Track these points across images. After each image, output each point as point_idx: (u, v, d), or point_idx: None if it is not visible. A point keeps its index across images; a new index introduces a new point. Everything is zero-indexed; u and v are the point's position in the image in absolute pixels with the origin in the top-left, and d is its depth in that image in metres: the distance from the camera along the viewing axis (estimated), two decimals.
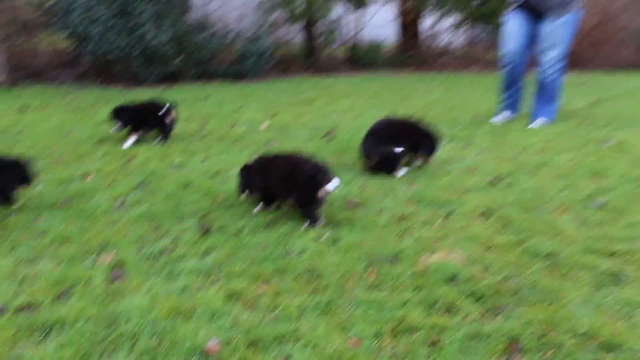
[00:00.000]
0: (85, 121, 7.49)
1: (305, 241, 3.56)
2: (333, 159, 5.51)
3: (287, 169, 3.94)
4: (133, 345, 2.46)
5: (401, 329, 2.58)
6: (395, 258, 3.33)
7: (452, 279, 3.06)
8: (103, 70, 12.45)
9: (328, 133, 6.77)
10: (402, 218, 3.99)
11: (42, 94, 10.11)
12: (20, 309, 2.73)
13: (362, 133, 5.20)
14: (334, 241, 3.58)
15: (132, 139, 6.16)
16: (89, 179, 4.87)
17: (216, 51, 12.54)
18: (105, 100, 9.29)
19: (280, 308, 2.77)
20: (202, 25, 12.43)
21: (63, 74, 12.68)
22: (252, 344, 2.47)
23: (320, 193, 3.75)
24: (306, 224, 3.80)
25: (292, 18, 14.11)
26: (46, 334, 2.55)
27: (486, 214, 4.07)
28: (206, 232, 3.71)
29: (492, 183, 4.77)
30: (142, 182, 4.76)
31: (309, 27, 15.36)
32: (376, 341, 2.50)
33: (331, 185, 3.75)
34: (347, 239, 3.60)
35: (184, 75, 12.35)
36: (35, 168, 4.23)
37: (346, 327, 2.60)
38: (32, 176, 4.22)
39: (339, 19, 15.10)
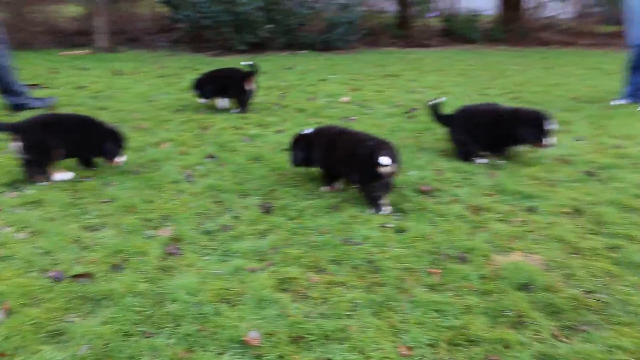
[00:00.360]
0: (171, 87, 7.63)
1: (368, 229, 3.34)
2: (411, 139, 5.20)
3: (347, 145, 3.72)
4: (175, 327, 2.39)
5: (460, 341, 2.32)
6: (464, 256, 3.03)
7: (525, 286, 2.73)
8: (195, 37, 12.69)
9: (411, 110, 6.42)
10: (477, 210, 3.65)
11: (136, 59, 10.46)
12: (76, 278, 2.75)
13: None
14: (399, 231, 3.34)
15: (221, 102, 6.28)
16: (163, 147, 4.90)
17: (305, 20, 12.36)
18: (193, 67, 9.44)
19: (331, 302, 2.60)
20: None
21: (158, 40, 13.08)
22: (295, 340, 2.32)
23: (382, 170, 3.46)
24: (371, 210, 3.58)
25: None
26: (95, 306, 2.55)
27: (576, 212, 3.63)
28: (267, 211, 3.59)
29: (587, 176, 4.27)
30: (213, 153, 4.72)
31: None
32: (430, 351, 2.26)
33: (384, 160, 3.46)
34: (414, 229, 3.33)
35: (272, 43, 12.30)
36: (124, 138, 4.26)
37: (399, 331, 2.38)
38: (123, 146, 4.25)
39: None
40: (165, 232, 3.29)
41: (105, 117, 5.80)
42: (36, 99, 6.30)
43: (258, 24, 11.67)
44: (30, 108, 5.99)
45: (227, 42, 12.01)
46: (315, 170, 4.11)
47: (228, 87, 6.20)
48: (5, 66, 6.08)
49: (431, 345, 2.29)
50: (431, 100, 4.89)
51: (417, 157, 4.65)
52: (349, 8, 12.42)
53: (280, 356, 2.21)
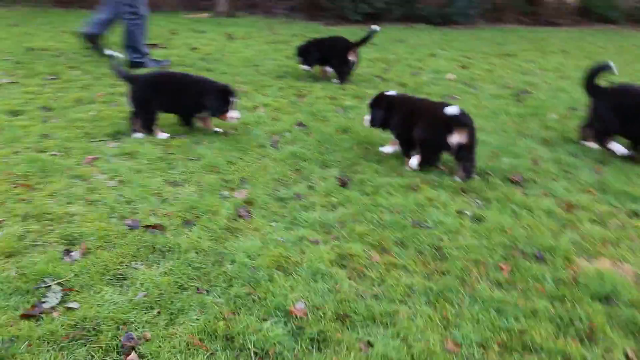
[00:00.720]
0: (278, 54, 7.73)
1: (443, 213, 3.18)
2: (513, 124, 4.84)
3: (428, 113, 3.68)
4: (227, 287, 2.45)
5: (515, 345, 2.14)
6: (543, 255, 2.78)
7: (607, 297, 2.45)
8: (312, 5, 12.74)
9: (521, 92, 5.98)
10: (571, 207, 3.33)
11: (251, 25, 10.72)
12: (149, 228, 2.90)
13: (562, 98, 4.44)
14: (477, 220, 3.14)
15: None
16: (258, 111, 5.00)
17: None
18: (304, 34, 9.49)
19: (386, 284, 2.51)
20: None
21: (276, 7, 13.30)
22: (340, 317, 2.27)
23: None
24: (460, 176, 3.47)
25: None
26: (160, 257, 2.67)
27: None
28: (344, 184, 3.54)
29: None
30: (303, 121, 4.73)
31: None
32: (479, 352, 2.11)
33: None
34: (492, 220, 3.12)
35: (388, 15, 12.03)
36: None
37: (450, 325, 2.25)
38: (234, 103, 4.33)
39: None
40: (241, 194, 3.36)
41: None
42: (153, 59, 6.70)
43: None
44: (145, 67, 6.40)
45: (343, 11, 11.92)
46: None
47: (331, 56, 6.15)
48: (140, 24, 6.55)
49: (482, 346, 2.13)
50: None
51: (515, 144, 4.32)
52: None
53: (322, 331, 2.18)
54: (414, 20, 12.06)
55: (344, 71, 6.08)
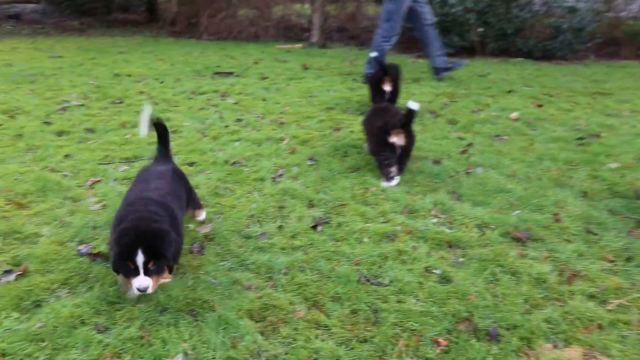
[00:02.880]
0: (342, 85, 7.61)
1: (407, 269, 2.80)
2: (556, 172, 4.23)
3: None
4: (125, 328, 2.33)
5: None
6: (497, 333, 2.32)
7: None
8: (411, 37, 12.50)
9: (588, 136, 5.27)
10: (573, 277, 2.78)
11: (335, 56, 10.70)
12: (95, 256, 2.88)
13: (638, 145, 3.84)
14: (443, 280, 2.72)
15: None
16: (282, 143, 4.89)
17: (523, 24, 11.14)
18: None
19: (293, 345, 2.23)
20: None
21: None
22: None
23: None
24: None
25: None
26: (86, 287, 2.63)
27: None
28: (315, 227, 3.29)
29: None
30: (320, 155, 4.53)
31: None
32: None
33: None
34: (459, 283, 2.69)
35: (483, 48, 11.43)
36: None
37: None
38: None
39: None
40: (206, 228, 3.25)
41: (260, 107, 6.11)
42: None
43: (468, 27, 10.94)
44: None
45: None
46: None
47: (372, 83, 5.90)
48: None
49: None
50: None
51: (543, 195, 3.76)
52: (579, 12, 10.80)
53: None
54: (512, 54, 11.33)
55: (375, 101, 5.76)
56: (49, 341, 2.23)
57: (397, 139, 3.87)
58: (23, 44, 11.38)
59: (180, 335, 2.27)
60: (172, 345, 2.20)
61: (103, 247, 2.98)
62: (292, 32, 13.72)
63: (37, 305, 2.49)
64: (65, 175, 4.04)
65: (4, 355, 2.15)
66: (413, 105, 3.74)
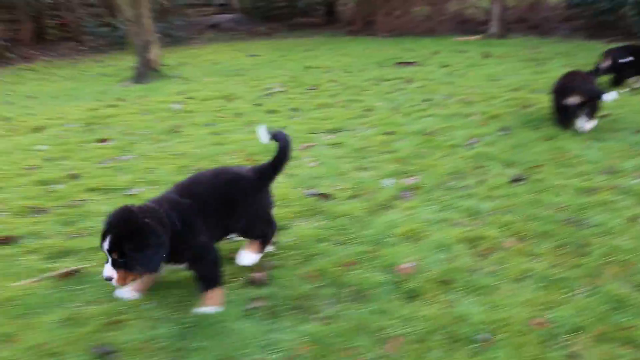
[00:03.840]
0: (525, 70, 7.55)
1: (612, 217, 2.92)
2: None
3: None
4: (353, 245, 2.81)
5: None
6: None
7: None
8: (599, 23, 11.79)
9: None
10: None
11: (516, 44, 10.49)
12: (321, 196, 3.45)
13: None
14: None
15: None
16: (472, 117, 5.13)
17: None
18: (568, 52, 8.96)
19: (504, 266, 2.54)
20: None
21: (559, 28, 12.69)
22: (442, 282, 2.44)
23: None
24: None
25: None
26: (318, 217, 3.19)
27: None
28: (515, 181, 3.52)
29: None
30: (512, 127, 4.68)
31: None
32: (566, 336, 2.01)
33: None
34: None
35: None
36: None
37: (549, 308, 2.17)
38: None
39: None
40: (410, 180, 3.66)
41: (444, 89, 6.41)
42: None
43: None
44: None
45: (629, 28, 10.74)
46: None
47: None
48: None
49: (578, 329, 2.03)
50: None
51: None
52: None
53: (418, 287, 2.40)
54: None
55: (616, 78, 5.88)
56: (300, 249, 2.80)
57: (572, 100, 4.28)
58: (224, 47, 13.01)
59: (400, 251, 2.69)
60: (399, 257, 2.63)
61: (326, 190, 3.54)
62: (467, 26, 13.69)
63: (284, 228, 3.08)
64: None
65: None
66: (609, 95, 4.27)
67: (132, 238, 2.19)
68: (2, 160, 4.76)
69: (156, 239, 2.21)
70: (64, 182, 4.10)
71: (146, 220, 2.22)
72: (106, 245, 2.20)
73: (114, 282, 2.22)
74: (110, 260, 2.21)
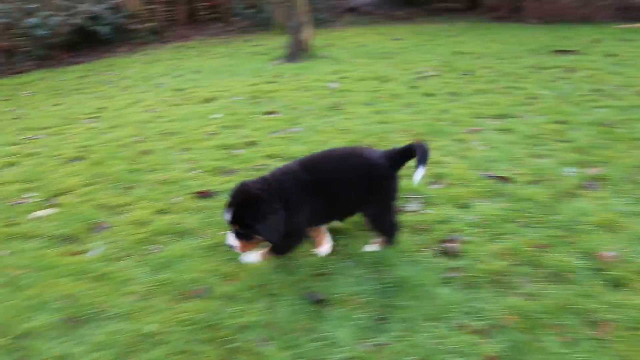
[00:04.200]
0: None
1: None
2: None
3: None
4: (544, 229, 2.80)
5: None
6: None
7: None
8: None
9: None
10: None
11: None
12: (499, 179, 3.45)
13: None
14: None
15: None
16: None
17: None
18: None
19: None
20: None
21: None
22: None
23: None
24: None
25: None
26: (500, 199, 3.20)
27: None
28: None
29: None
30: None
31: None
32: None
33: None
34: None
35: None
36: None
37: None
38: None
39: None
40: (593, 170, 3.53)
41: (614, 80, 6.01)
42: None
43: None
44: None
45: None
46: None
47: None
48: None
49: None
50: None
51: None
52: None
53: (622, 276, 2.35)
54: None
55: None
56: (487, 227, 2.85)
57: None
58: (366, 30, 13.14)
59: (598, 240, 2.63)
60: (597, 245, 2.58)
61: (504, 173, 3.53)
62: (631, 13, 12.60)
63: (465, 206, 3.13)
64: (446, 124, 4.77)
65: (455, 231, 2.83)
66: None
67: (248, 211, 2.37)
68: (185, 125, 5.28)
69: (271, 211, 2.36)
70: (243, 148, 4.47)
71: (260, 195, 2.39)
72: (228, 218, 2.41)
73: (236, 249, 2.46)
74: (232, 230, 2.44)
